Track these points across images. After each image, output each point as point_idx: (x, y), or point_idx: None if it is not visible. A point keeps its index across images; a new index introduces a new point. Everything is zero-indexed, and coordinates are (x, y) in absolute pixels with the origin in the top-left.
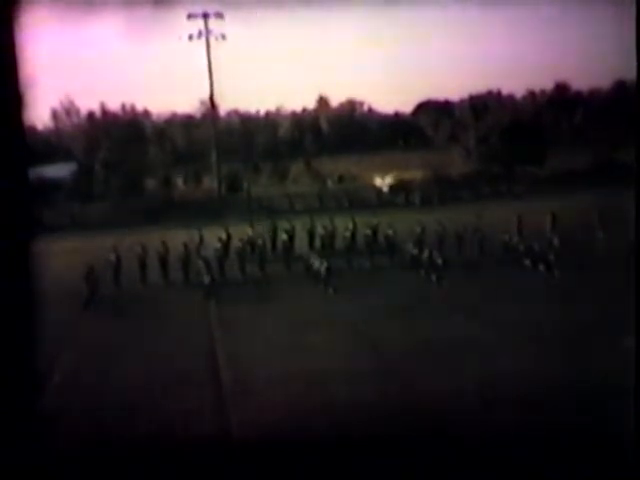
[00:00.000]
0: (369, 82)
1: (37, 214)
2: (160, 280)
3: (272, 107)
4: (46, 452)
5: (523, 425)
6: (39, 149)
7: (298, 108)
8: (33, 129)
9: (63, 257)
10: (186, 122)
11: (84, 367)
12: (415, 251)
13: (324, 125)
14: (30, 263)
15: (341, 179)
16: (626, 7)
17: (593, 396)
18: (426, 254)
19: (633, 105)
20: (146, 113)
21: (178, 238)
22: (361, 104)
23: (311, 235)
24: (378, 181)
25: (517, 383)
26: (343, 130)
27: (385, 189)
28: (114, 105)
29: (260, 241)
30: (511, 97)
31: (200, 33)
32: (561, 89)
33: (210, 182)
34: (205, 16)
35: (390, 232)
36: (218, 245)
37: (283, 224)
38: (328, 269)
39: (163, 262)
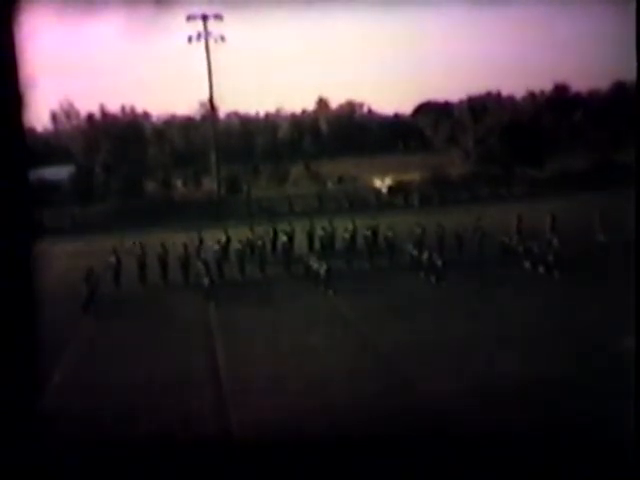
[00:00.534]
0: (368, 83)
1: (37, 216)
2: (160, 281)
3: (272, 109)
4: (46, 452)
5: (523, 425)
6: (39, 151)
7: (298, 110)
8: (33, 131)
9: (63, 259)
10: (186, 124)
11: (84, 368)
12: (415, 252)
13: (324, 126)
14: (30, 265)
15: (341, 180)
16: (626, 8)
17: (593, 396)
18: (425, 255)
19: (633, 106)
20: (146, 115)
21: (178, 240)
22: (360, 105)
23: (311, 237)
24: (378, 182)
25: (517, 383)
26: (342, 131)
27: (385, 190)
28: (114, 107)
29: (260, 243)
30: (510, 98)
31: (199, 35)
32: (560, 90)
33: (210, 184)
34: (204, 18)
35: (390, 233)
36: (217, 247)
37: (283, 226)
38: (328, 270)
39: (163, 264)
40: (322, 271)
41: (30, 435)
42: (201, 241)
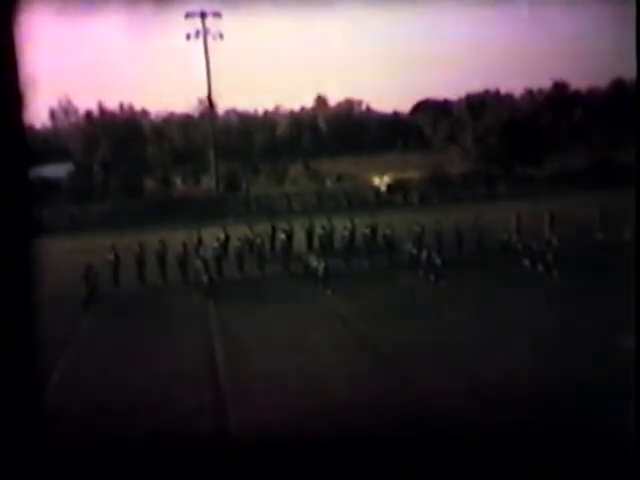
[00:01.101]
0: (367, 81)
1: (36, 214)
2: (159, 280)
3: (270, 106)
4: (45, 451)
5: (523, 425)
6: (37, 149)
7: (296, 107)
8: (31, 129)
9: (62, 257)
10: (184, 121)
11: (83, 366)
12: (414, 251)
13: (322, 124)
14: (29, 263)
15: (339, 179)
16: (625, 6)
17: (593, 396)
18: (424, 254)
19: (632, 104)
20: (144, 112)
21: (176, 238)
22: (359, 103)
23: (309, 235)
24: (376, 181)
25: (516, 383)
26: (341, 129)
27: (384, 189)
28: (112, 104)
29: (258, 241)
30: (509, 96)
31: (198, 32)
32: (560, 88)
33: (209, 182)
34: (203, 15)
35: (388, 232)
36: (216, 245)
37: (281, 224)
38: (326, 269)
39: (162, 262)
40: (321, 269)
41: (29, 434)
42: (200, 239)
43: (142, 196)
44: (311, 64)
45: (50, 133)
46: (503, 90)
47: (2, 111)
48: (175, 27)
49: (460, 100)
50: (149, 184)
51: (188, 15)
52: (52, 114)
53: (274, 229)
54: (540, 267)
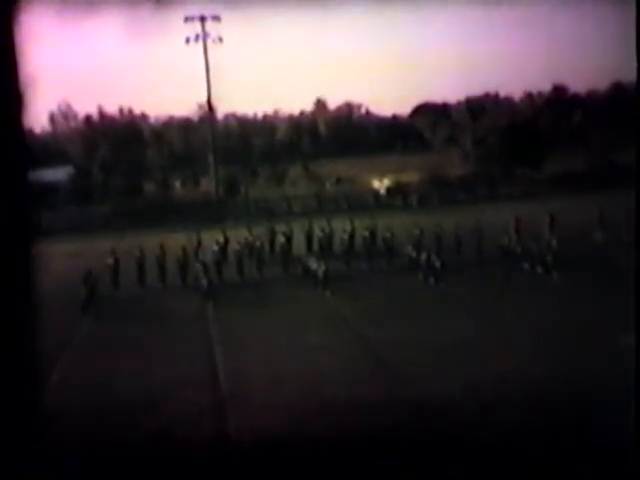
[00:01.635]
0: (366, 85)
1: (35, 217)
2: (158, 283)
3: (270, 110)
4: (44, 453)
5: (523, 425)
6: (37, 152)
7: (296, 111)
8: (31, 132)
9: (61, 260)
10: (184, 125)
11: (82, 370)
12: (413, 253)
13: (322, 128)
14: (29, 266)
15: (339, 181)
16: (624, 8)
17: (593, 396)
18: (424, 256)
19: (632, 107)
20: (144, 116)
21: (176, 241)
22: (359, 107)
23: (309, 237)
24: (376, 183)
25: (517, 384)
26: (341, 133)
27: (383, 191)
28: (112, 108)
29: (258, 243)
30: (509, 99)
31: (197, 36)
32: (559, 91)
33: (208, 185)
34: (202, 19)
35: (388, 234)
36: (216, 248)
37: (281, 226)
38: (326, 272)
39: (161, 265)
40: (320, 272)
41: (29, 435)
42: (199, 242)
43: (142, 199)
44: (310, 68)
45: (50, 137)
46: (502, 93)
47: (2, 112)
48: (174, 31)
49: (459, 103)
50: (149, 187)
51: (187, 19)
52: (52, 118)
53: (274, 232)
54: (539, 268)
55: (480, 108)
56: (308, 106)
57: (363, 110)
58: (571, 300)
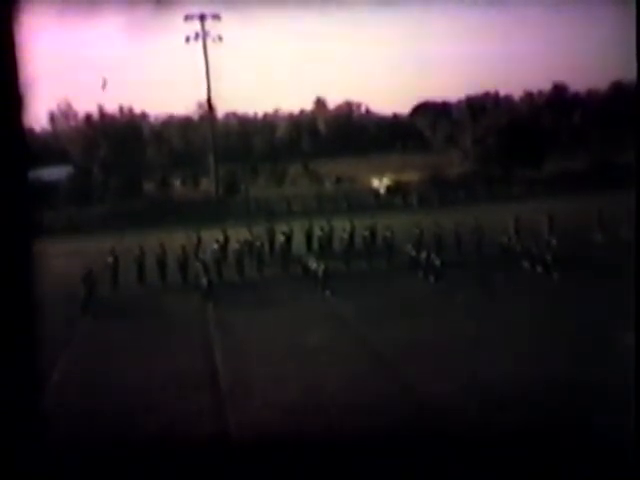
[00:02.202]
0: (366, 84)
1: (35, 216)
2: (158, 282)
3: (270, 109)
4: (43, 453)
5: (523, 425)
6: (37, 151)
7: (296, 110)
8: (31, 131)
9: (61, 259)
10: (184, 124)
11: (82, 369)
12: (413, 252)
13: (322, 127)
14: (29, 265)
15: (339, 181)
16: (624, 8)
17: (593, 396)
18: (424, 255)
19: (632, 106)
20: (144, 115)
21: (176, 240)
22: (358, 106)
23: (309, 237)
24: (376, 183)
25: (516, 383)
26: (341, 132)
27: (383, 191)
28: (112, 107)
29: (258, 243)
30: (509, 98)
31: (197, 35)
32: (559, 90)
33: (208, 184)
34: (202, 18)
35: (388, 234)
36: (216, 247)
37: (281, 226)
38: (326, 271)
39: (161, 264)
40: (320, 271)
41: (29, 435)
42: (199, 241)
43: (142, 198)
44: (310, 66)
45: (50, 136)
46: (503, 92)
47: (2, 112)
48: (174, 30)
49: (460, 102)
50: (149, 187)
51: (187, 18)
52: (52, 117)
53: (273, 231)
54: (539, 268)
55: (480, 107)
56: (308, 105)
57: (363, 109)
58: (571, 300)
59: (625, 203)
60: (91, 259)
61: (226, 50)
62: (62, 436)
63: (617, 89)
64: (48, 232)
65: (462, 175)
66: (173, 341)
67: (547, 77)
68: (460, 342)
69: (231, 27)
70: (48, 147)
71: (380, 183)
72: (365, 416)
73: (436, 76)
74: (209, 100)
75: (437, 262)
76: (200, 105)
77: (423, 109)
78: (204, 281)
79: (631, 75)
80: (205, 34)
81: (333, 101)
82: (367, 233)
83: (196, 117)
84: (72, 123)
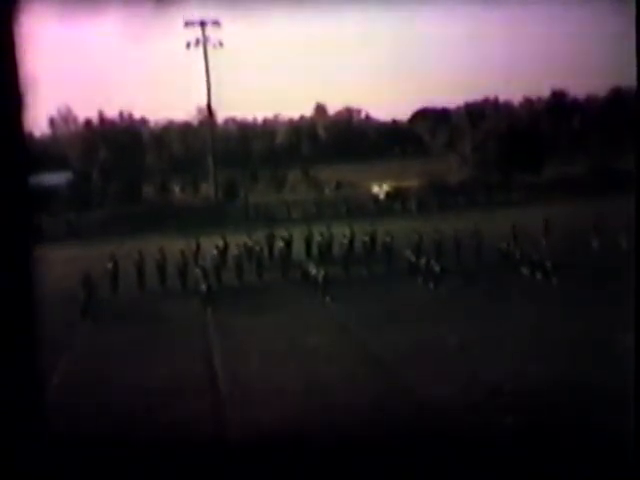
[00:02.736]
0: (366, 90)
1: (35, 221)
2: (158, 288)
3: (269, 114)
4: (45, 457)
5: (523, 426)
6: (36, 157)
7: (295, 115)
8: (30, 136)
9: (61, 265)
10: (183, 129)
11: (81, 374)
12: (413, 258)
13: (321, 132)
14: (28, 271)
15: (338, 186)
16: (624, 13)
17: (593, 397)
18: (424, 261)
19: (631, 112)
20: (143, 120)
21: (175, 245)
22: (358, 111)
23: (308, 243)
24: (375, 188)
25: (516, 386)
26: (340, 137)
27: (382, 196)
28: (111, 112)
29: (257, 248)
30: (508, 104)
31: (197, 41)
32: (558, 96)
33: (207, 189)
34: (202, 24)
35: (387, 239)
36: (215, 252)
37: (280, 231)
38: (325, 277)
39: (160, 269)
40: (320, 277)
41: (29, 437)
42: (199, 247)
43: (141, 204)
44: (310, 72)
45: (49, 141)
46: (502, 98)
47: (1, 112)
48: (175, 36)
49: (459, 108)
50: (148, 192)
51: (188, 24)
52: (51, 122)
53: (273, 237)
54: (538, 274)
55: (479, 113)
56: (308, 111)
57: (363, 115)
58: (570, 304)
59: (625, 208)
60: (91, 264)
61: (226, 56)
62: (62, 438)
63: (616, 94)
64: (48, 237)
65: (461, 181)
66: (172, 347)
67: (546, 82)
68: (460, 346)
69: (231, 33)
70: (48, 152)
71: (380, 189)
72: (365, 420)
73: (436, 82)
74: (209, 105)
75: (437, 268)
76: (200, 110)
77: (422, 115)
78: (203, 286)
79: (630, 80)
80: (205, 40)
81: (333, 107)
82: (367, 239)
83: (196, 122)
84: (72, 128)
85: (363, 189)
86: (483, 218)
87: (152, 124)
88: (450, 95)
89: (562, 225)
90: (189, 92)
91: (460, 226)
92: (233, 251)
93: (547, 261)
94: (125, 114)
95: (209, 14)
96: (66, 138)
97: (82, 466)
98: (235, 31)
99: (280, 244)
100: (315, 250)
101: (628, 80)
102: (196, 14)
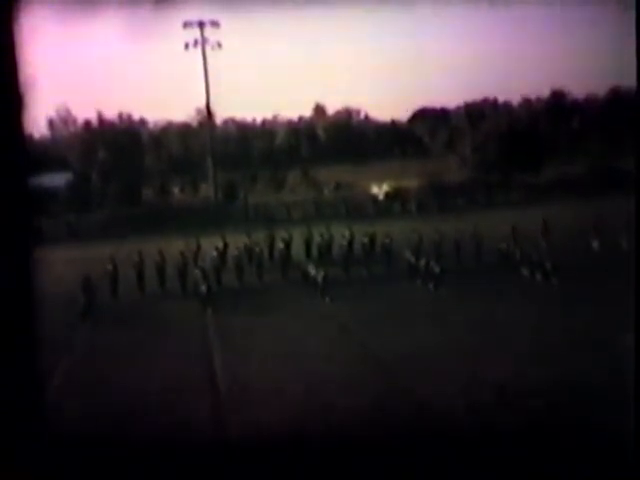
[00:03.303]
0: (365, 90)
1: (34, 223)
2: (157, 289)
3: (269, 115)
4: (46, 458)
5: (523, 427)
6: (36, 158)
7: (295, 116)
8: (30, 138)
9: (60, 267)
10: (183, 130)
11: (82, 376)
12: (412, 259)
13: (321, 133)
14: (28, 272)
15: (338, 187)
16: (624, 14)
17: (593, 396)
18: (423, 262)
19: (631, 112)
20: (143, 121)
21: (175, 247)
22: (357, 112)
23: (308, 243)
24: (375, 189)
25: (516, 386)
26: (340, 138)
27: (382, 197)
28: (111, 114)
29: (257, 249)
30: (507, 104)
31: (196, 41)
32: (557, 96)
33: (207, 190)
34: (201, 24)
35: (387, 240)
36: (215, 253)
37: (280, 232)
38: (325, 277)
39: (160, 271)
40: (319, 278)
41: (29, 438)
42: (199, 248)
43: (140, 205)
44: (309, 73)
45: (49, 142)
46: (501, 99)
47: (1, 113)
48: (173, 36)
49: (458, 108)
50: (147, 193)
51: (186, 24)
52: (51, 123)
53: (273, 238)
54: (538, 275)
55: (479, 113)
56: (307, 111)
57: (362, 115)
58: (570, 304)
59: (625, 208)
60: (90, 266)
61: (225, 57)
62: (62, 438)
63: (616, 94)
64: (47, 239)
65: (461, 181)
66: (172, 348)
67: (546, 83)
68: (459, 347)
69: (230, 34)
70: (47, 154)
71: (379, 189)
72: (365, 421)
73: (435, 82)
74: (208, 106)
75: (436, 269)
76: (199, 111)
77: (422, 115)
78: (203, 288)
79: (630, 80)
80: (204, 41)
81: (332, 107)
82: (366, 240)
83: (195, 123)
84: (71, 129)
85: (362, 190)
86: (483, 218)
87: (151, 125)
88: (449, 95)
89: (562, 225)
90: (188, 93)
91: (460, 226)
92: (233, 252)
93: (547, 261)
94: (124, 115)
95: (207, 15)
96: (65, 139)
97: (82, 466)
98: (234, 32)
99: (280, 245)
100: (315, 251)
101: (628, 80)
102: (194, 15)
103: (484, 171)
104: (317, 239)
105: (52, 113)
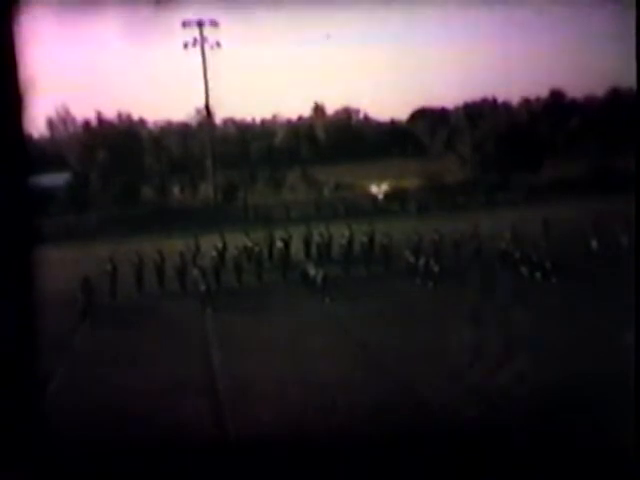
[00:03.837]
0: (365, 90)
1: (34, 223)
2: (156, 289)
3: (268, 115)
4: (45, 458)
5: (523, 427)
6: (34, 158)
7: (294, 116)
8: (29, 138)
9: (59, 266)
10: (182, 130)
11: (81, 376)
12: (412, 259)
13: (320, 133)
14: (28, 272)
15: (337, 187)
16: (624, 14)
17: (593, 397)
18: (422, 262)
19: (631, 112)
20: (142, 121)
21: (174, 247)
22: (357, 112)
23: (307, 243)
24: (374, 189)
25: (516, 386)
26: (339, 138)
27: (381, 197)
28: (110, 113)
29: (257, 249)
30: (507, 104)
31: (195, 41)
32: (557, 96)
33: (206, 190)
34: (200, 24)
35: (386, 240)
36: (214, 253)
37: (279, 232)
38: (325, 277)
39: (159, 271)
40: (319, 278)
41: (28, 439)
42: (198, 248)
43: (140, 205)
44: (308, 72)
45: (48, 142)
46: (500, 98)
47: (1, 112)
48: (172, 36)
49: (458, 108)
50: (147, 193)
51: (185, 24)
52: (50, 123)
53: (272, 237)
54: (537, 274)
55: (478, 113)
56: (306, 111)
57: (361, 115)
58: (570, 304)
59: (625, 208)
60: (89, 265)
61: (224, 56)
62: (62, 438)
63: (615, 95)
64: (46, 239)
65: (461, 181)
66: (171, 348)
67: (545, 83)
68: (459, 347)
69: (229, 33)
70: (46, 153)
71: (378, 189)
72: (364, 420)
73: (434, 82)
74: (207, 106)
75: (436, 268)
76: (198, 111)
77: (421, 115)
78: (202, 288)
79: (630, 81)
80: (203, 40)
81: (331, 107)
82: (366, 239)
83: (194, 123)
84: (70, 130)
85: (362, 189)
86: (482, 218)
87: (150, 125)
88: (449, 95)
89: (561, 225)
90: (187, 93)
91: (459, 226)
92: (232, 252)
93: (546, 261)
94: (123, 115)
95: (207, 14)
96: (64, 139)
97: (82, 466)
98: (233, 31)
99: (279, 244)
100: (314, 250)
101: (627, 80)
102: (193, 14)
103: (484, 171)
104: (316, 239)
105: (51, 113)
